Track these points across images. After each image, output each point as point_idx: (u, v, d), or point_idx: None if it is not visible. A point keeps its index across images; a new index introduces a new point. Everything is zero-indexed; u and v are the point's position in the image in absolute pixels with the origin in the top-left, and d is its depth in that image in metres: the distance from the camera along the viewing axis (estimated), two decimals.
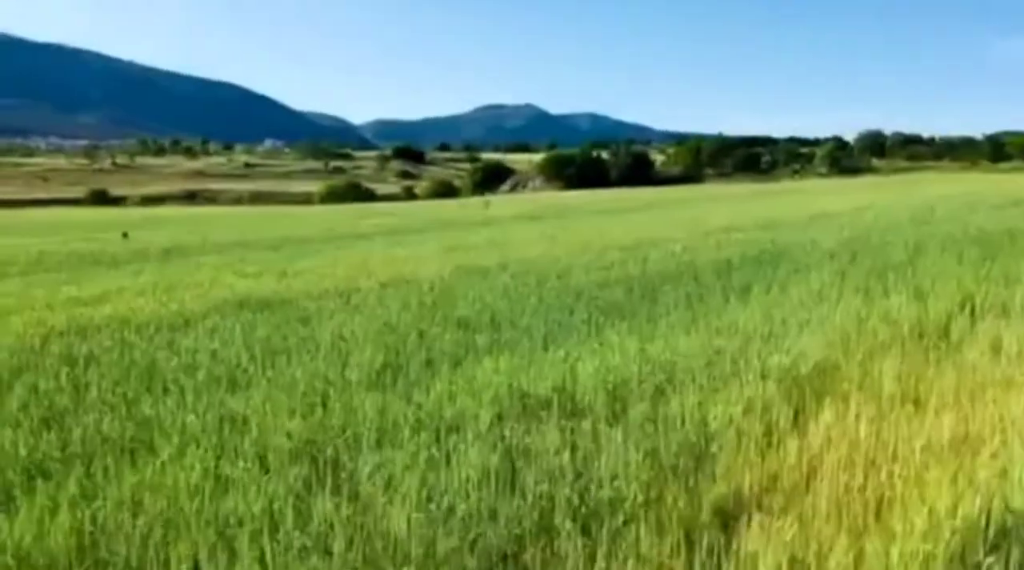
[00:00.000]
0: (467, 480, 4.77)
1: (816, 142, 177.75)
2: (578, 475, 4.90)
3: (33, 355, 9.43)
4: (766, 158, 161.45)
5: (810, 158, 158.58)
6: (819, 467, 4.93)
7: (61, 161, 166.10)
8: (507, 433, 5.62)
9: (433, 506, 4.40)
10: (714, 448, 5.29)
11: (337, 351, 8.92)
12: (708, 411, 5.94)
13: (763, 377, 6.76)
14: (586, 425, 5.81)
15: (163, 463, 5.31)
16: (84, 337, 10.50)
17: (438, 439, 5.61)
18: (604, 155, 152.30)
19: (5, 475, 5.27)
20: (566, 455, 5.18)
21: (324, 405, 6.69)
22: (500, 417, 6.05)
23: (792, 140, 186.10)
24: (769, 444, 5.35)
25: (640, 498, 4.54)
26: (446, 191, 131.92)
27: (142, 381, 7.84)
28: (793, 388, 6.44)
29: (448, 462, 5.18)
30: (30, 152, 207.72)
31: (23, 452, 5.67)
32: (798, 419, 5.81)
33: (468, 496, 4.57)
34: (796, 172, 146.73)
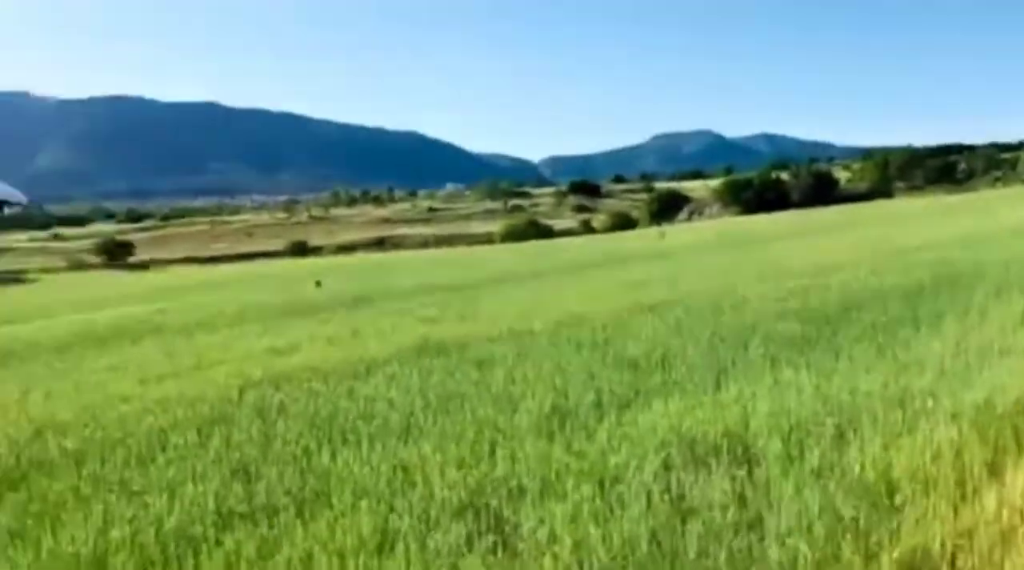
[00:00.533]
0: (627, 537, 4.64)
1: (1020, 146, 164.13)
2: (748, 530, 4.65)
3: (230, 406, 10.05)
4: (962, 167, 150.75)
5: (1013, 164, 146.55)
6: (1021, 522, 4.45)
7: (264, 217, 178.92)
8: (673, 484, 5.44)
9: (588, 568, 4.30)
10: (899, 500, 4.89)
11: (508, 396, 8.99)
12: (892, 457, 5.51)
13: (955, 417, 6.21)
14: (758, 474, 5.53)
15: (335, 518, 5.50)
16: (277, 387, 11.08)
17: (602, 490, 5.51)
18: (784, 177, 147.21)
19: (194, 529, 5.62)
20: (735, 509, 4.94)
21: (492, 454, 6.74)
22: (667, 466, 5.86)
23: (992, 146, 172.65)
24: (962, 496, 4.88)
25: (815, 557, 4.25)
26: (623, 223, 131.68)
27: (324, 431, 8.17)
28: (990, 429, 5.87)
29: (611, 514, 5.06)
30: (237, 210, 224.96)
31: (211, 505, 6.03)
32: (995, 465, 5.28)
33: (627, 557, 4.43)
34: (997, 180, 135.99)
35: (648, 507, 5.09)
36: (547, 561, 4.44)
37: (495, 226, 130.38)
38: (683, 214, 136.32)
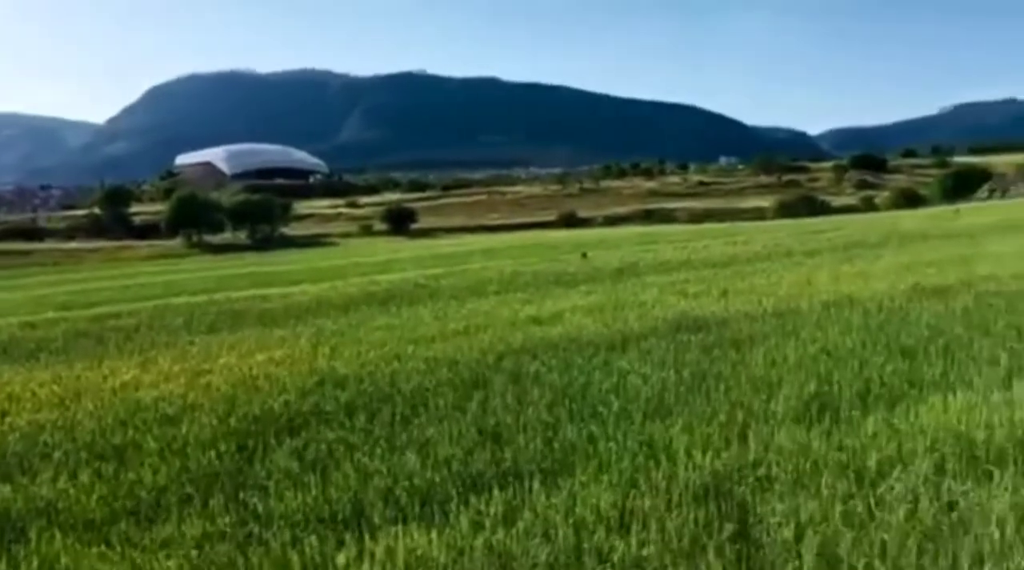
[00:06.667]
0: (884, 544, 4.24)
1: None
2: None
3: (489, 371, 10.41)
4: None
5: None
6: None
7: (536, 189, 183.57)
8: (944, 491, 4.91)
9: None
10: None
11: (766, 379, 8.60)
12: None
13: None
14: None
15: (577, 490, 5.51)
16: (534, 356, 11.32)
17: (860, 488, 5.09)
18: None
19: (445, 488, 5.86)
20: (1016, 526, 4.37)
21: (743, 438, 6.46)
22: (938, 469, 5.31)
23: None
24: None
25: None
26: (910, 201, 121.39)
27: (576, 402, 8.23)
28: None
29: (869, 518, 4.66)
30: (513, 182, 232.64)
31: (460, 467, 6.28)
32: None
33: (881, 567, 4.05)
34: None
35: (913, 514, 4.64)
36: (789, 559, 4.17)
37: (767, 201, 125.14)
38: (983, 192, 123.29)
